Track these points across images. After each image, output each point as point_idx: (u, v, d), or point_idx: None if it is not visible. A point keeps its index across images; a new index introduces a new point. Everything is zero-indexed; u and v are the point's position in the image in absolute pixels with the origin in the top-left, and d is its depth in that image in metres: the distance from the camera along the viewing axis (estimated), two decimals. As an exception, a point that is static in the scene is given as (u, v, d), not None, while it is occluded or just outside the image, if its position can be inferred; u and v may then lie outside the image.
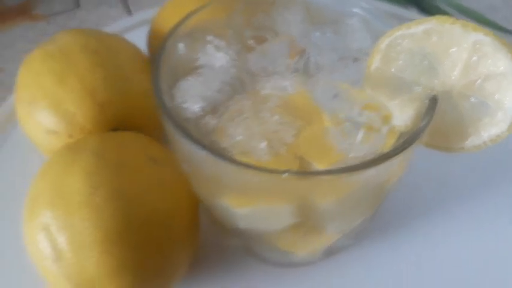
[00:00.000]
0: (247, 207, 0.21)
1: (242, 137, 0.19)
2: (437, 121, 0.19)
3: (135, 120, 0.29)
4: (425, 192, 0.31)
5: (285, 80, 0.22)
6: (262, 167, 0.17)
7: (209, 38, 0.23)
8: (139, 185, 0.22)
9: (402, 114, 0.20)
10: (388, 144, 0.20)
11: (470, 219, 0.30)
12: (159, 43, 0.31)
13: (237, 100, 0.21)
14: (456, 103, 0.20)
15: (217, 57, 0.23)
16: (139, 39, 0.33)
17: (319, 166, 0.20)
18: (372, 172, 0.18)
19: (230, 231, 0.26)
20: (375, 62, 0.20)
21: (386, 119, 0.20)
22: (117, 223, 0.21)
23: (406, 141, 0.18)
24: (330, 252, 0.28)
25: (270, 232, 0.23)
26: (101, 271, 0.21)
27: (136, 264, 0.22)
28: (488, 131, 0.19)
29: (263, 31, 0.25)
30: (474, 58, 0.18)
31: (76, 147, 0.23)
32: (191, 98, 0.21)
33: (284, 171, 0.17)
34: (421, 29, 0.18)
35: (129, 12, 0.50)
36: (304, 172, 0.18)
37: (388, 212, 0.29)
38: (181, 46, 0.23)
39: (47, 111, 0.27)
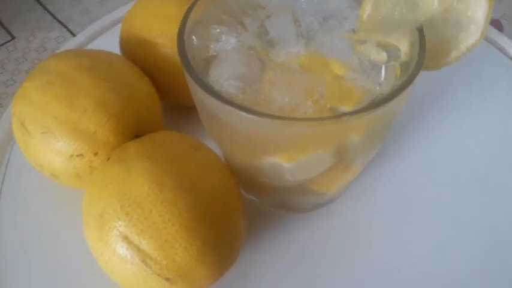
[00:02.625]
0: (298, 160, 0.24)
1: (288, 98, 0.22)
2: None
3: (149, 122, 0.30)
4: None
5: (296, 45, 0.25)
6: (320, 117, 0.21)
7: (213, 26, 0.26)
8: (194, 171, 0.24)
9: (400, 47, 0.24)
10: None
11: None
12: (134, 46, 0.33)
13: (264, 71, 0.23)
14: (437, 27, 0.24)
15: (226, 42, 0.25)
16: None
17: (347, 108, 0.23)
18: (396, 100, 0.22)
19: (267, 191, 0.29)
20: (367, 11, 0.24)
21: (397, 51, 0.23)
22: (191, 209, 0.23)
23: (416, 66, 0.22)
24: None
25: (311, 178, 0.27)
26: (189, 257, 0.23)
27: (215, 241, 0.24)
28: (465, 43, 0.24)
29: (252, 10, 0.27)
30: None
31: (123, 158, 0.25)
32: (226, 81, 0.23)
33: (342, 114, 0.20)
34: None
35: (68, 31, 0.49)
36: (357, 111, 0.21)
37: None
38: (194, 38, 0.25)
39: (66, 137, 0.27)
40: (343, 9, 0.26)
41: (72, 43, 0.44)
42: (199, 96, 0.23)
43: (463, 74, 0.38)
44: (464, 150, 0.34)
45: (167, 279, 0.23)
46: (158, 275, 0.23)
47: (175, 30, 0.32)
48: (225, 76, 0.23)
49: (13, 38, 0.47)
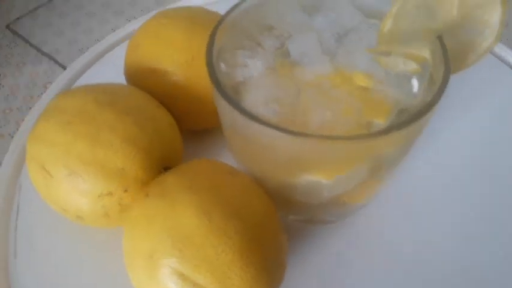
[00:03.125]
0: (336, 175, 0.24)
1: (327, 117, 0.22)
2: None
3: (173, 152, 0.30)
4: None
5: (321, 63, 0.25)
6: (366, 133, 0.21)
7: (237, 52, 0.26)
8: (237, 197, 0.24)
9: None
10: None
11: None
12: (143, 75, 0.33)
13: (298, 93, 0.24)
14: (455, 33, 0.25)
15: (253, 66, 0.25)
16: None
17: (380, 121, 0.24)
18: (432, 111, 0.23)
19: (298, 208, 0.30)
20: (388, 25, 0.25)
21: (425, 62, 0.24)
22: (242, 236, 0.23)
23: (446, 73, 0.23)
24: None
25: (346, 191, 0.27)
26: (244, 285, 0.23)
27: (266, 265, 0.24)
28: (482, 46, 0.26)
29: (268, 31, 0.28)
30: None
31: (164, 192, 0.24)
32: (263, 105, 0.23)
33: (388, 129, 0.21)
34: (424, -14, 0.23)
35: (57, 63, 0.48)
36: (399, 125, 0.21)
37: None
38: (222, 65, 0.25)
39: (93, 177, 0.27)
40: (358, 23, 0.27)
41: (65, 76, 0.43)
42: (236, 122, 0.23)
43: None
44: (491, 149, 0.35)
45: (225, 311, 0.23)
46: (216, 307, 0.23)
47: (186, 57, 0.32)
48: (261, 101, 0.23)
49: None
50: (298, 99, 0.23)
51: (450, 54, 0.25)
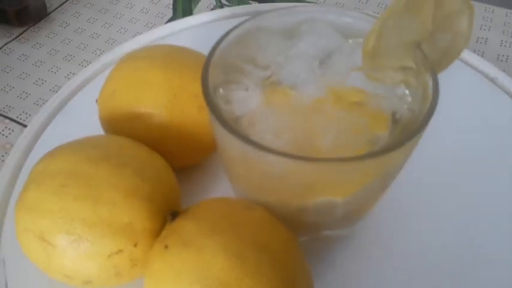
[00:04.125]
0: (350, 194, 0.25)
1: (339, 139, 0.23)
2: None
3: (173, 195, 0.29)
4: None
5: (314, 86, 0.26)
6: (383, 149, 0.22)
7: (231, 87, 0.26)
8: (261, 232, 0.24)
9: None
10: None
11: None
12: (124, 122, 0.32)
13: (304, 119, 0.24)
14: (432, 43, 0.27)
15: (250, 99, 0.26)
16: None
17: (383, 132, 0.25)
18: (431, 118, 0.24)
19: (306, 229, 0.30)
20: (371, 42, 0.26)
21: (416, 73, 0.26)
22: (276, 272, 0.23)
23: (434, 78, 0.25)
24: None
25: (358, 206, 0.28)
26: (284, 317, 0.23)
27: (299, 292, 0.24)
28: (455, 49, 0.28)
29: (253, 64, 0.28)
30: (437, 9, 0.25)
31: (185, 241, 0.23)
32: (274, 137, 0.23)
33: (401, 142, 0.22)
34: (402, 4, 0.25)
35: (12, 120, 0.45)
36: (409, 137, 0.23)
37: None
38: (222, 103, 0.25)
39: (101, 238, 0.25)
40: (339, 43, 0.28)
41: (27, 134, 0.41)
42: (247, 155, 0.23)
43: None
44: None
45: None
46: None
47: (168, 97, 0.32)
48: (270, 132, 0.23)
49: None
50: (305, 125, 0.24)
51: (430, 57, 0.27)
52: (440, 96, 0.35)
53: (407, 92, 0.26)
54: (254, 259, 0.22)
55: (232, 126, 0.23)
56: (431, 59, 0.27)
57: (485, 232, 0.33)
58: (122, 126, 0.33)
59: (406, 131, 0.24)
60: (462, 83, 0.43)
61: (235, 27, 0.29)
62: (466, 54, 0.46)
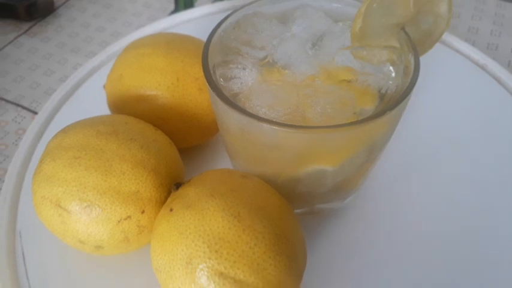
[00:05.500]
0: (340, 162, 0.27)
1: (328, 109, 0.25)
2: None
3: (177, 168, 0.31)
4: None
5: (307, 65, 0.28)
6: (366, 118, 0.24)
7: (230, 66, 0.28)
8: (256, 196, 0.26)
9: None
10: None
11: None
12: (130, 103, 0.34)
13: (297, 93, 0.26)
14: (414, 25, 0.29)
15: (249, 76, 0.28)
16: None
17: (368, 107, 0.27)
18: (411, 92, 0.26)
19: (300, 200, 0.32)
20: (358, 23, 0.28)
21: (397, 50, 0.28)
22: (270, 229, 0.25)
23: (416, 56, 0.27)
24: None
25: (347, 177, 0.30)
26: (280, 272, 0.25)
27: (294, 252, 0.26)
28: (436, 31, 0.30)
29: (251, 46, 0.30)
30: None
31: (188, 204, 0.26)
32: (269, 109, 0.26)
33: (382, 112, 0.24)
34: (385, -12, 0.27)
35: (24, 108, 0.48)
36: (393, 105, 0.25)
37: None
38: (221, 80, 0.27)
39: (111, 205, 0.28)
40: (330, 26, 0.31)
41: (38, 119, 0.43)
42: (244, 128, 0.26)
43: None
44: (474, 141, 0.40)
45: (265, 299, 0.25)
46: (258, 298, 0.24)
47: (171, 80, 0.34)
48: (266, 104, 0.26)
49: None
50: (297, 99, 0.26)
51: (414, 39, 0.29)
52: (432, 82, 0.38)
53: (391, 69, 0.28)
54: (249, 219, 0.25)
55: (230, 101, 0.25)
56: (415, 39, 0.29)
57: (474, 204, 0.35)
58: (128, 108, 0.35)
59: (389, 103, 0.26)
60: (454, 70, 0.46)
61: (233, 12, 0.31)
62: (458, 43, 0.48)
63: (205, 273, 0.24)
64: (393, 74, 0.28)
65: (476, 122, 0.41)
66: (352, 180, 0.32)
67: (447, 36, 0.48)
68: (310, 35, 0.31)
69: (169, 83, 0.34)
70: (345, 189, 0.33)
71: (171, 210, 0.26)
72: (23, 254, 0.34)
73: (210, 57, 0.28)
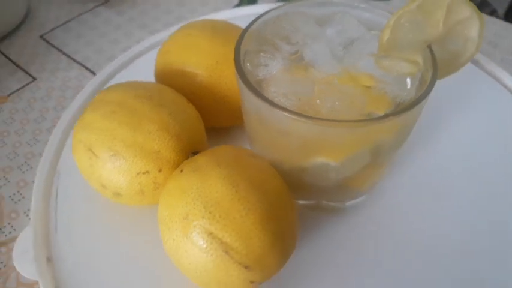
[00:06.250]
0: (342, 158, 0.29)
1: (336, 105, 0.27)
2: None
3: (200, 141, 0.34)
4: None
5: (330, 66, 0.30)
6: (365, 119, 0.26)
7: (261, 55, 0.31)
8: (258, 174, 0.29)
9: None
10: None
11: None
12: (172, 76, 0.38)
13: (313, 87, 0.29)
14: (442, 45, 0.30)
15: (273, 66, 0.30)
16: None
17: (380, 113, 0.29)
18: (420, 105, 0.28)
19: (307, 191, 0.34)
20: (386, 35, 0.30)
21: (418, 65, 0.29)
22: (262, 204, 0.27)
23: (434, 74, 0.28)
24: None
25: (351, 176, 0.32)
26: (264, 246, 0.27)
27: (281, 232, 0.28)
28: (465, 55, 0.31)
29: (286, 40, 0.33)
30: (449, 13, 0.29)
31: (196, 168, 0.29)
32: (283, 96, 0.28)
33: (383, 116, 0.26)
34: (416, 5, 0.29)
35: (87, 69, 0.53)
36: (394, 113, 0.26)
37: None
38: (248, 65, 0.30)
39: (134, 157, 0.31)
40: (362, 34, 0.32)
41: (95, 80, 0.48)
42: (259, 110, 0.28)
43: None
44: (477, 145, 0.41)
45: (246, 267, 0.27)
46: (239, 263, 0.27)
47: (211, 61, 0.37)
48: (281, 93, 0.28)
49: (34, 79, 0.50)
50: (312, 92, 0.28)
51: (439, 61, 0.30)
52: (462, 104, 0.38)
53: (409, 81, 0.29)
54: (246, 191, 0.27)
55: (249, 83, 0.28)
56: (441, 59, 0.30)
57: (478, 222, 0.36)
58: (170, 80, 0.39)
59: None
60: (486, 95, 0.45)
61: (276, 8, 0.34)
62: (491, 66, 0.48)
63: (197, 229, 0.27)
64: (409, 86, 0.29)
65: (498, 148, 0.41)
66: (357, 181, 0.33)
67: (481, 59, 0.48)
68: (342, 39, 0.32)
69: (209, 64, 0.37)
70: (350, 189, 0.34)
71: (181, 171, 0.29)
72: (56, 191, 0.38)
73: (244, 42, 0.31)
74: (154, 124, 0.32)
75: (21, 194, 0.43)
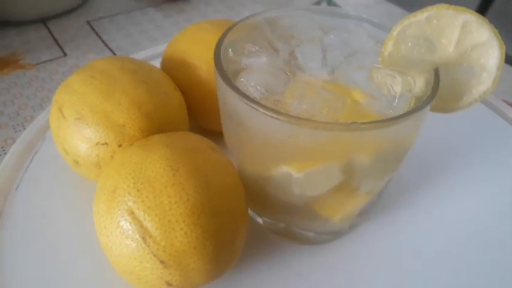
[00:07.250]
0: (306, 170, 0.25)
1: (305, 106, 0.24)
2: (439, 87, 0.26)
3: (174, 127, 0.32)
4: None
5: (320, 71, 0.27)
6: (332, 122, 0.22)
7: (248, 44, 0.28)
8: (208, 165, 0.26)
9: (416, 83, 0.26)
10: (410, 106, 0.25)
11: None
12: (174, 65, 0.36)
13: (288, 84, 0.25)
14: (452, 71, 0.26)
15: (258, 58, 0.28)
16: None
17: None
18: (403, 125, 0.23)
19: (273, 207, 0.30)
20: (389, 48, 0.26)
21: (411, 84, 0.25)
22: (199, 196, 0.24)
23: (428, 98, 0.24)
24: (354, 224, 0.32)
25: (318, 197, 0.27)
26: (188, 242, 0.24)
27: (215, 233, 0.24)
28: (478, 89, 0.26)
29: (284, 39, 0.30)
30: (463, 34, 0.25)
31: (145, 144, 0.26)
32: (252, 86, 0.25)
33: (352, 123, 0.22)
34: (425, 16, 0.25)
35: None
36: (366, 122, 0.22)
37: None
38: (230, 51, 0.28)
39: (96, 125, 0.30)
40: (366, 45, 0.29)
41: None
42: (225, 96, 0.26)
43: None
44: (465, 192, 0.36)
45: (161, 262, 0.23)
46: (154, 255, 0.23)
47: (212, 55, 0.35)
48: (252, 82, 0.25)
49: (65, 55, 0.52)
50: (284, 86, 0.25)
51: (445, 91, 0.26)
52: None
53: (396, 101, 0.25)
54: (185, 178, 0.24)
55: (220, 63, 0.26)
56: (449, 89, 0.26)
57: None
58: (171, 68, 0.38)
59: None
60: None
61: (284, 10, 0.32)
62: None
63: (120, 206, 0.24)
64: (395, 104, 0.25)
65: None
66: (327, 206, 0.29)
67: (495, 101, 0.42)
68: (345, 49, 0.29)
69: (210, 58, 0.35)
70: (320, 216, 0.30)
71: (131, 145, 0.27)
72: (34, 155, 0.38)
73: (235, 30, 0.29)
74: (126, 96, 0.30)
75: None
